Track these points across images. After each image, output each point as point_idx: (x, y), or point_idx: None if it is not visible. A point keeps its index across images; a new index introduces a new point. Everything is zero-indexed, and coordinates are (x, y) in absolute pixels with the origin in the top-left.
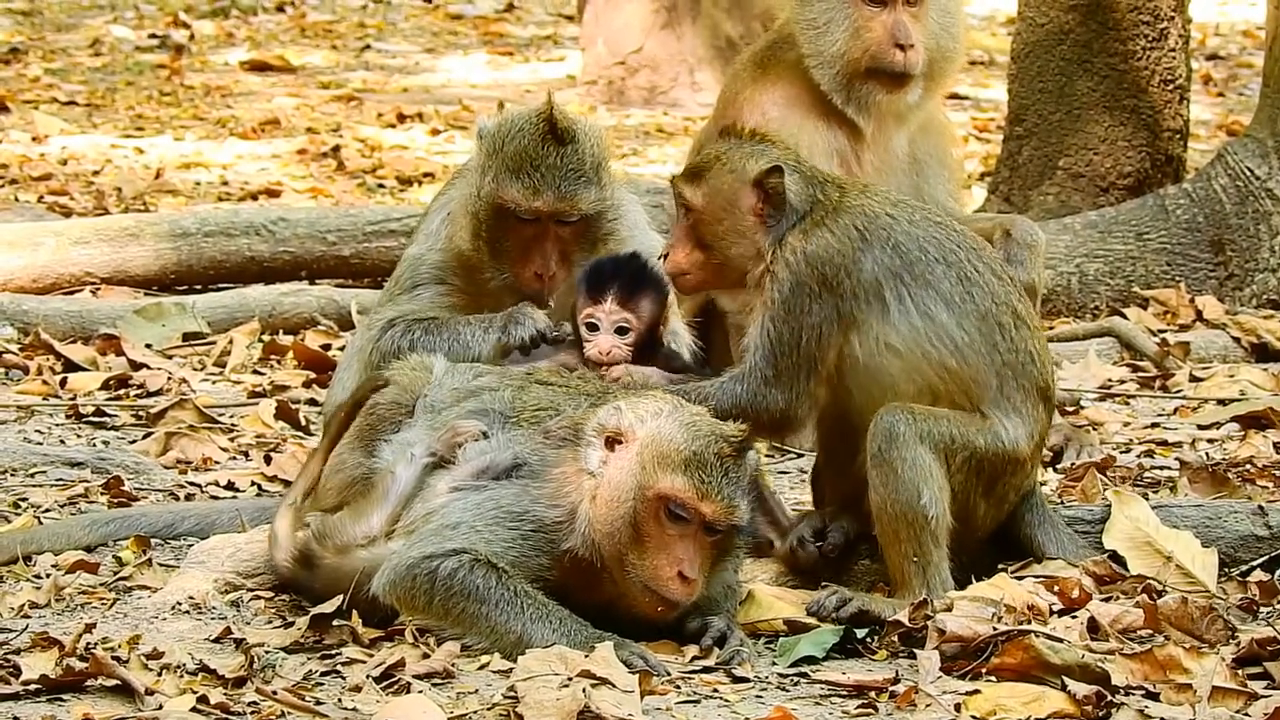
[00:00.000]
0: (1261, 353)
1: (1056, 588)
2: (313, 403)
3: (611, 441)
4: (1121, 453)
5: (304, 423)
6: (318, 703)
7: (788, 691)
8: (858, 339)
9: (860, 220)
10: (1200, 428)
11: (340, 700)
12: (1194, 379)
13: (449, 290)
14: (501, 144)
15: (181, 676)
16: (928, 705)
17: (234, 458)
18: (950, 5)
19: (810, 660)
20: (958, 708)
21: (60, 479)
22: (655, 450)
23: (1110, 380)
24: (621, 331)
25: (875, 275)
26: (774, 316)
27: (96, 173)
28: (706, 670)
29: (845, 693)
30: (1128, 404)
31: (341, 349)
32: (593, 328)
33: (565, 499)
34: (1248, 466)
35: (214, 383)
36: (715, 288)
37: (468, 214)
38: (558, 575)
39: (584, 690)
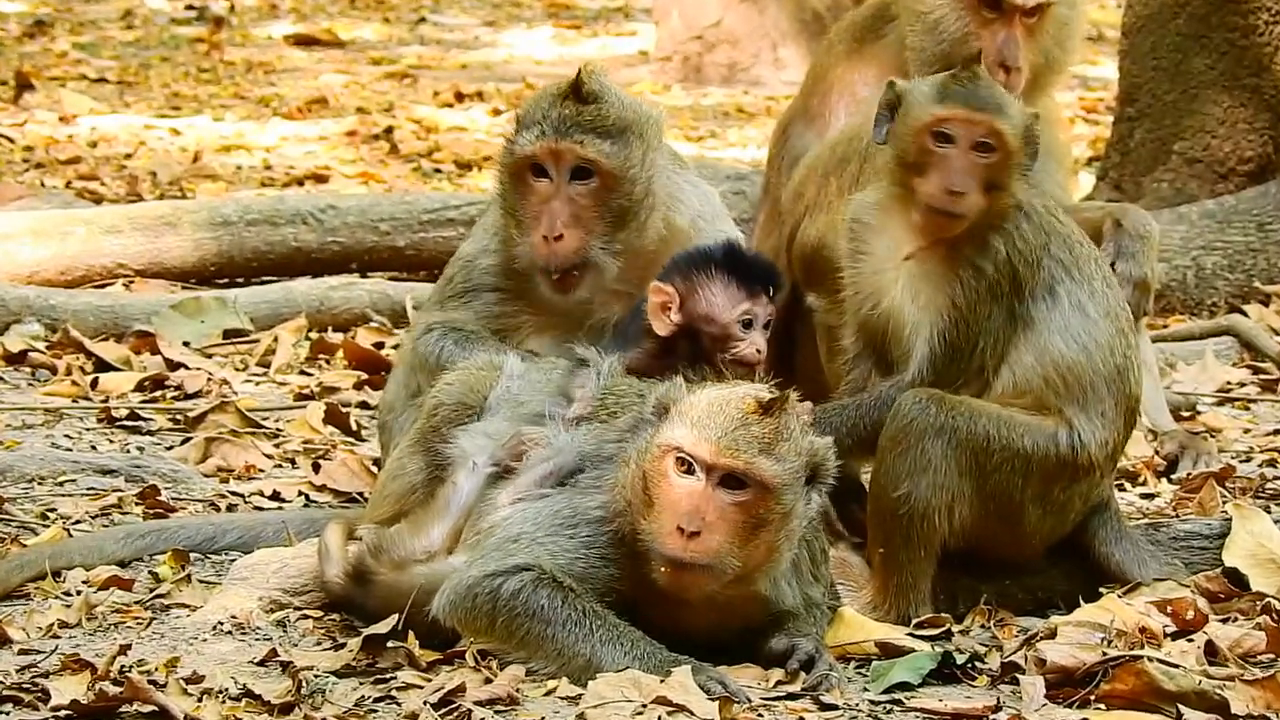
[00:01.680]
0: None
1: (1170, 609)
2: (364, 405)
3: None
4: (1241, 462)
5: (355, 427)
6: None
7: None
8: (1024, 340)
9: (1040, 206)
10: None
11: None
12: None
13: (502, 298)
14: (525, 108)
15: (224, 702)
16: None
17: (279, 465)
18: (1069, 15)
19: (905, 687)
20: None
21: (91, 488)
22: (677, 410)
23: (1229, 383)
24: (767, 327)
25: (1051, 270)
26: (956, 320)
27: (129, 156)
28: (791, 697)
29: None
30: (1248, 409)
31: (395, 347)
32: (748, 325)
33: (622, 494)
34: None
35: (257, 384)
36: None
37: (498, 195)
38: (628, 587)
39: (659, 718)
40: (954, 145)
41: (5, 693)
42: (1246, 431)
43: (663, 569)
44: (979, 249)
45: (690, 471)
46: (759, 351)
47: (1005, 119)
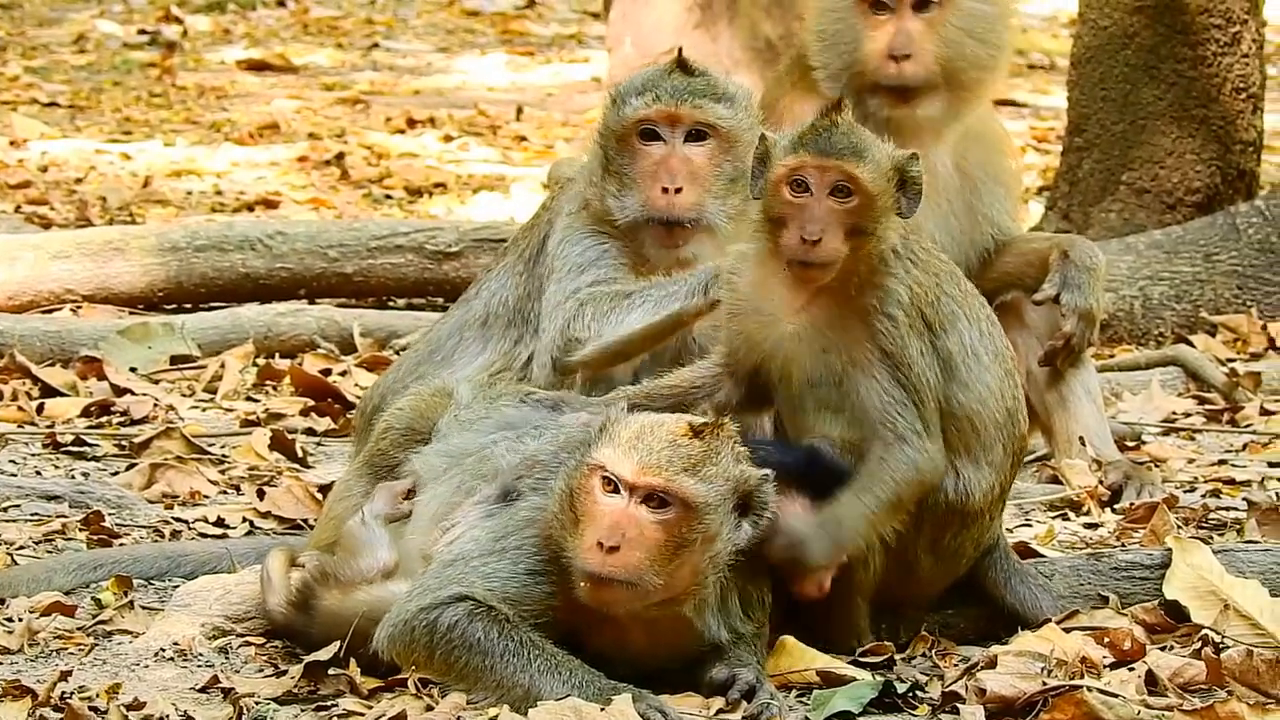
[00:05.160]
0: None
1: (1107, 639)
2: (310, 432)
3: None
4: (1185, 492)
5: (301, 454)
6: None
7: None
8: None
9: (925, 246)
10: (1271, 465)
11: None
12: (1265, 412)
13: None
14: (627, 83)
15: None
16: None
17: (224, 492)
18: (982, 7)
19: (846, 716)
20: None
21: (36, 514)
22: (610, 431)
23: (1175, 413)
24: None
25: (952, 309)
26: (894, 367)
27: (79, 180)
28: None
29: None
30: (1193, 439)
31: (343, 374)
32: None
33: (551, 509)
34: None
35: (204, 410)
36: (827, 289)
37: (597, 161)
38: (564, 604)
39: None
40: (809, 193)
41: None
42: (1191, 461)
43: (583, 583)
44: (883, 296)
45: (615, 491)
46: None
47: (861, 163)
